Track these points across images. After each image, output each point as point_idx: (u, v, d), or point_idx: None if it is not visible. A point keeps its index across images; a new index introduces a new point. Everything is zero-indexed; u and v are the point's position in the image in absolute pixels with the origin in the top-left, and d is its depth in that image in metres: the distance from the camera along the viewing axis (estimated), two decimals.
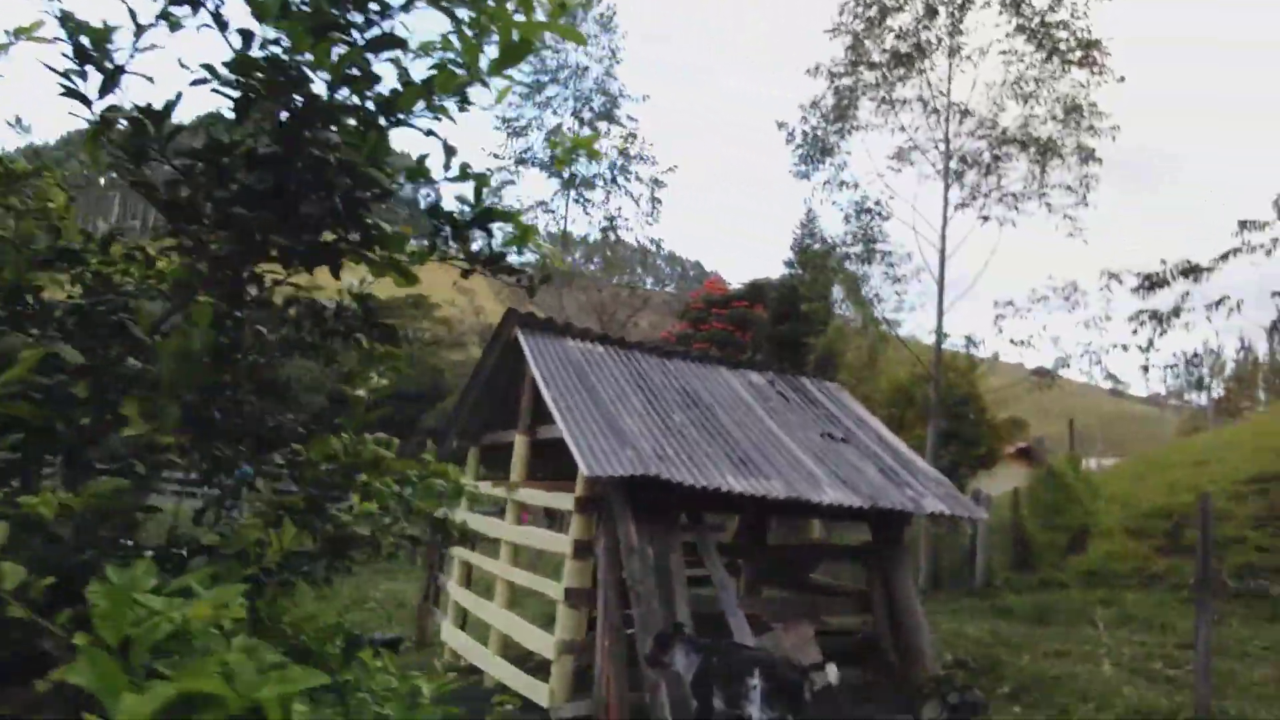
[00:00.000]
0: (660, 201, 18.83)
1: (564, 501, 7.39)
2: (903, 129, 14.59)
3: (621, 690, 6.47)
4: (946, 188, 14.29)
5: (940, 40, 14.32)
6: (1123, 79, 13.98)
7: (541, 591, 7.78)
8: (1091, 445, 27.58)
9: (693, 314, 33.95)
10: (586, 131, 18.30)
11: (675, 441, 7.37)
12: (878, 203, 14.60)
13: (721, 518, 10.68)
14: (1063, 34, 13.84)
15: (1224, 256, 11.63)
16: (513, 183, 18.20)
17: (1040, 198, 14.15)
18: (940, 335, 14.15)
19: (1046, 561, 14.59)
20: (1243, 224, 11.45)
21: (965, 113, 14.28)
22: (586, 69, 18.30)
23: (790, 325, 27.26)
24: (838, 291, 17.85)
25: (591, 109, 18.45)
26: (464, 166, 2.56)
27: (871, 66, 14.45)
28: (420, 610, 11.45)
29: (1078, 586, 13.21)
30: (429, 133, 2.36)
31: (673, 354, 9.33)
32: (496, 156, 17.97)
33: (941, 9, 14.22)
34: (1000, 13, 14.12)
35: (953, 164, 14.26)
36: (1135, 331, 12.67)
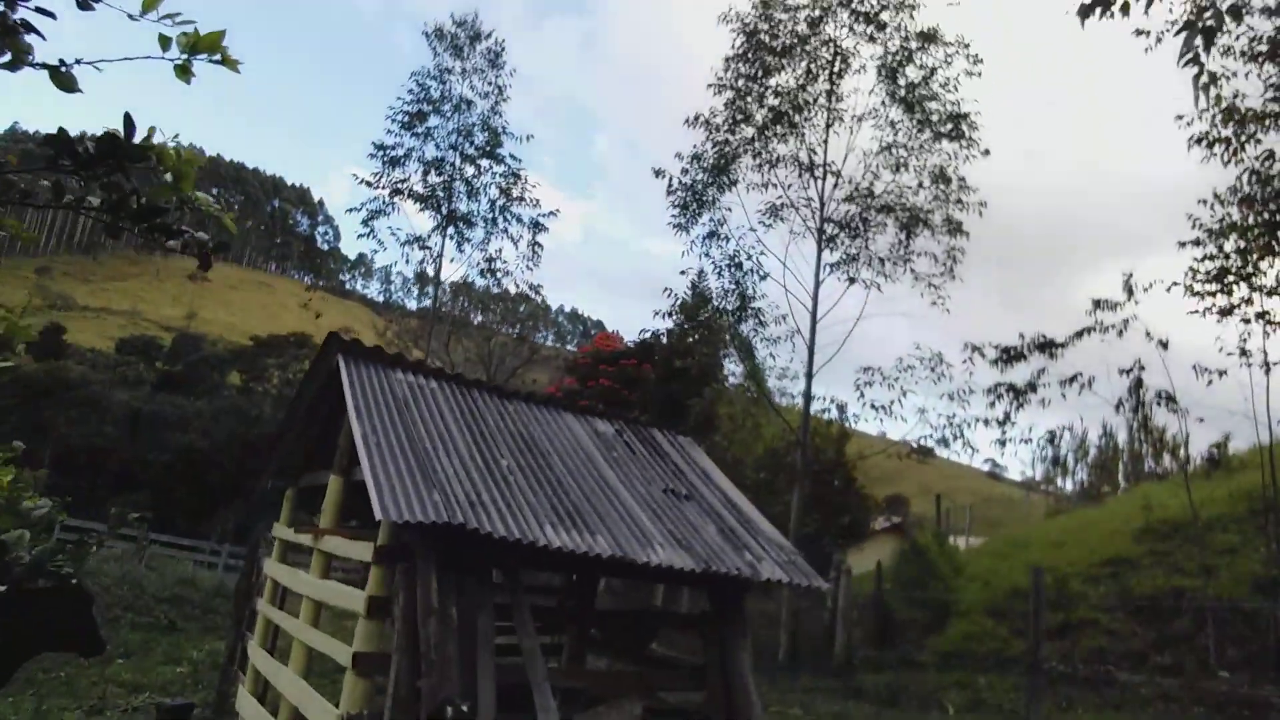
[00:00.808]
0: (541, 246, 18.29)
1: (365, 552, 6.49)
2: (775, 185, 14.62)
3: None
4: (820, 248, 14.32)
5: (817, 101, 14.50)
6: (987, 152, 14.41)
7: (333, 656, 6.79)
8: (962, 524, 28.01)
9: (581, 370, 33.35)
10: (469, 170, 17.73)
11: (496, 488, 6.62)
12: (749, 257, 14.50)
13: (555, 577, 9.89)
14: (934, 105, 14.20)
15: (1079, 334, 11.81)
16: (386, 213, 17.32)
17: (905, 263, 14.31)
18: (809, 399, 13.94)
19: (907, 638, 14.29)
20: (1096, 303, 11.68)
21: (838, 175, 14.42)
22: (471, 103, 17.79)
23: (677, 385, 27.08)
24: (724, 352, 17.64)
25: (473, 144, 17.84)
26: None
27: (750, 123, 14.49)
28: (223, 673, 10.17)
29: (935, 667, 12.90)
30: None
31: (514, 395, 8.61)
32: (369, 184, 17.10)
33: (821, 74, 14.42)
34: (876, 81, 14.43)
35: (826, 227, 14.32)
36: (993, 404, 12.70)
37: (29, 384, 57.58)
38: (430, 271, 17.99)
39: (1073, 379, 11.83)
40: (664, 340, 25.84)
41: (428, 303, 24.19)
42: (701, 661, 7.62)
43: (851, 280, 14.42)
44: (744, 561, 7.19)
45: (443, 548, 6.10)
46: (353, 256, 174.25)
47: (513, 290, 18.77)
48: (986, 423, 13.40)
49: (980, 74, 14.73)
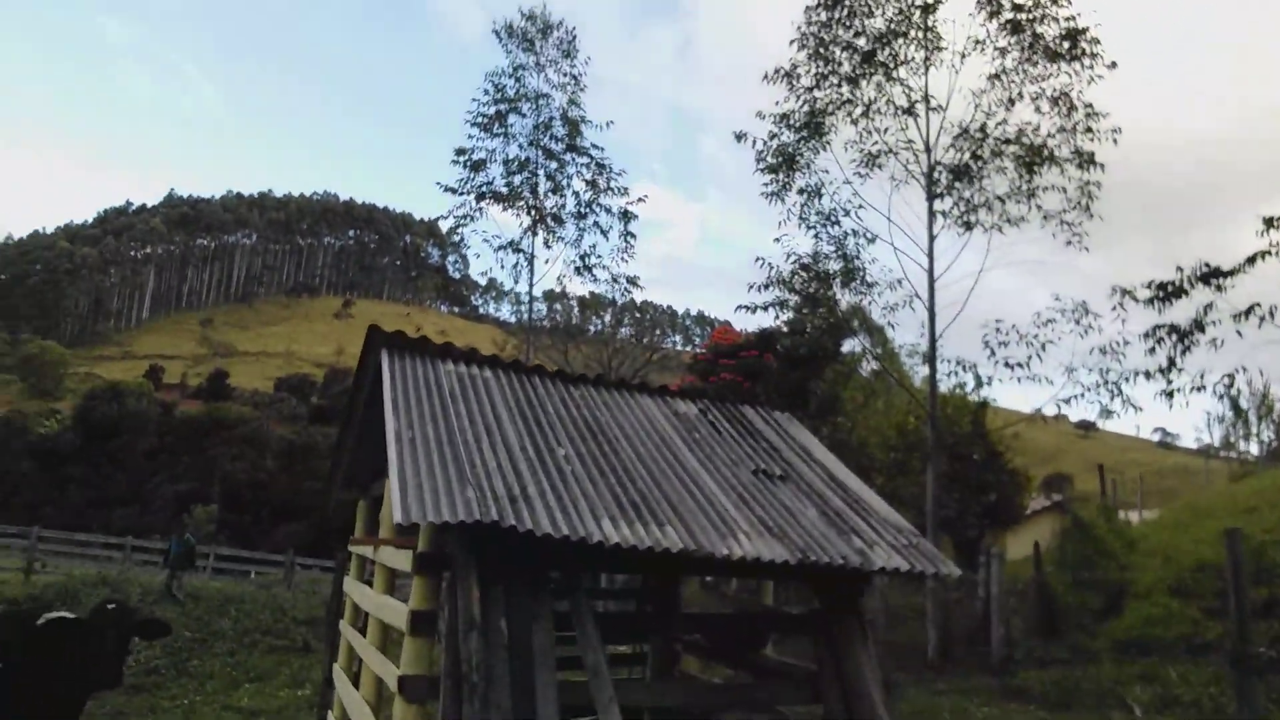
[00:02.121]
0: (634, 236, 17.47)
1: (408, 561, 5.77)
2: (871, 133, 13.17)
3: None
4: (930, 197, 12.78)
5: (910, 36, 13.00)
6: (1114, 65, 12.50)
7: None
8: (1132, 498, 25.21)
9: (700, 366, 32.38)
10: (552, 165, 17.11)
11: (548, 480, 5.76)
12: (846, 214, 13.09)
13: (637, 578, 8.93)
14: (1045, 28, 12.47)
15: (1250, 260, 9.85)
16: (473, 218, 16.94)
17: (1030, 200, 12.56)
18: (933, 364, 12.46)
19: (1076, 626, 12.52)
20: (1269, 222, 9.70)
21: (944, 114, 12.86)
22: (547, 96, 17.21)
23: (801, 372, 25.73)
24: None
25: (554, 136, 17.21)
26: None
27: (837, 72, 13.14)
28: (321, 698, 9.80)
29: (1112, 659, 11.14)
30: None
31: (581, 380, 7.76)
32: (452, 190, 16.75)
33: (912, 7, 12.93)
34: (975, 6, 12.81)
35: (935, 173, 12.78)
36: (1153, 350, 10.84)
37: (197, 425, 61.90)
38: (524, 275, 17.40)
39: (1248, 311, 9.85)
40: (782, 327, 24.60)
41: (532, 314, 23.81)
42: (812, 669, 6.51)
43: (968, 226, 12.81)
44: (851, 549, 6.04)
45: (486, 552, 5.29)
46: (483, 282, 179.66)
47: (608, 285, 17.93)
48: (1148, 375, 11.50)
49: None
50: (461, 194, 16.98)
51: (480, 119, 17.03)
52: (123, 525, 39.78)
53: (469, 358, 7.34)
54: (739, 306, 14.15)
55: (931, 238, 13.09)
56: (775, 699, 6.70)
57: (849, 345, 21.37)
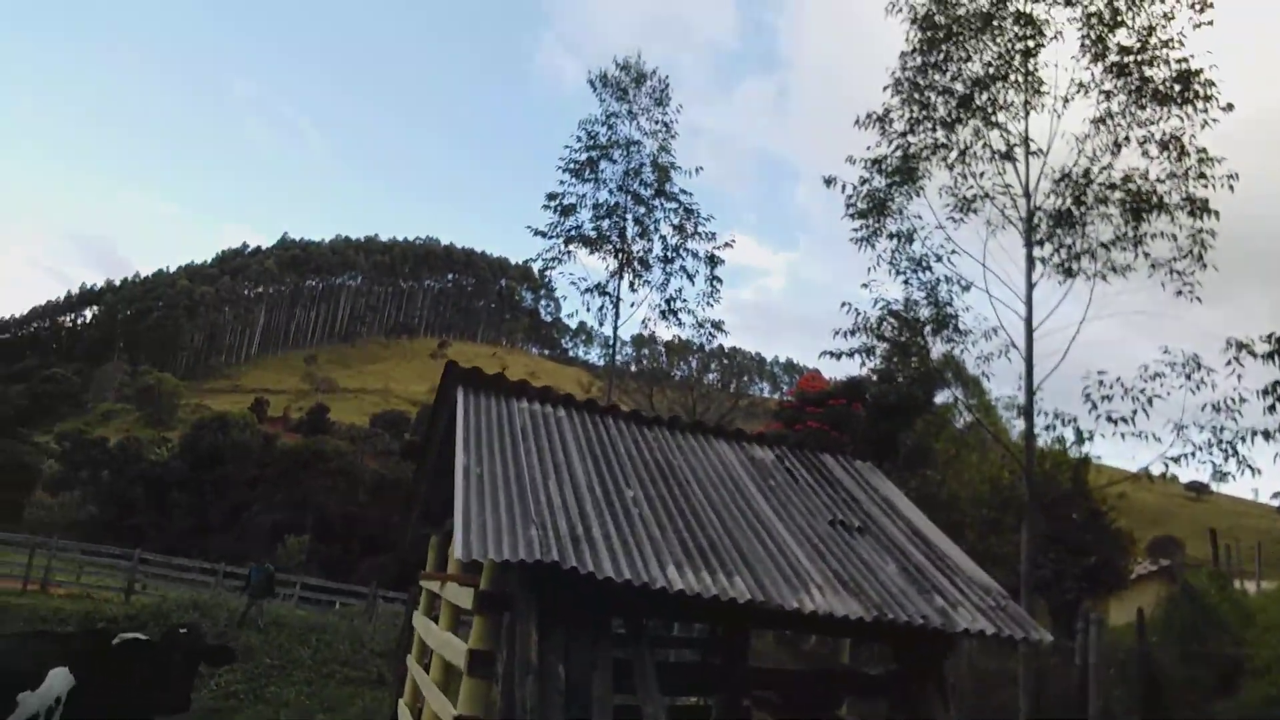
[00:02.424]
0: (720, 280, 17.37)
1: (470, 599, 5.71)
2: (966, 178, 12.73)
3: None
4: (1029, 244, 12.23)
5: (1009, 79, 12.60)
6: (1230, 107, 11.79)
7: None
8: (1250, 566, 23.41)
9: (787, 413, 31.82)
10: (640, 210, 17.23)
11: (613, 522, 5.64)
12: (938, 259, 12.62)
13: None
14: (1152, 70, 11.90)
15: None
16: (561, 261, 17.14)
17: (1136, 247, 11.86)
18: (1030, 417, 11.81)
19: (1183, 703, 11.56)
20: None
21: (1044, 158, 12.35)
22: (638, 143, 17.38)
23: (890, 422, 25.01)
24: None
25: (644, 182, 17.33)
26: None
27: (931, 116, 12.82)
28: None
29: None
30: None
31: (655, 422, 7.64)
32: (542, 234, 17.02)
33: (1012, 52, 12.55)
34: (1079, 50, 12.33)
35: (1035, 218, 12.25)
36: (1273, 408, 10.01)
37: (295, 457, 64.13)
38: (609, 318, 17.47)
39: None
40: (871, 375, 24.02)
41: (617, 357, 23.91)
42: None
43: (1069, 273, 12.19)
44: (933, 608, 5.70)
45: (547, 593, 5.18)
46: (574, 325, 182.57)
47: (693, 330, 17.80)
48: (1267, 435, 10.63)
49: (1211, 23, 12.26)
50: (551, 237, 17.23)
51: (572, 164, 17.32)
52: (220, 551, 41.28)
53: (543, 396, 7.33)
54: (824, 353, 13.78)
55: (1030, 285, 12.50)
56: None
57: (941, 397, 20.67)
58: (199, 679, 7.02)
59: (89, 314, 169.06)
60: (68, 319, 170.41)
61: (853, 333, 12.96)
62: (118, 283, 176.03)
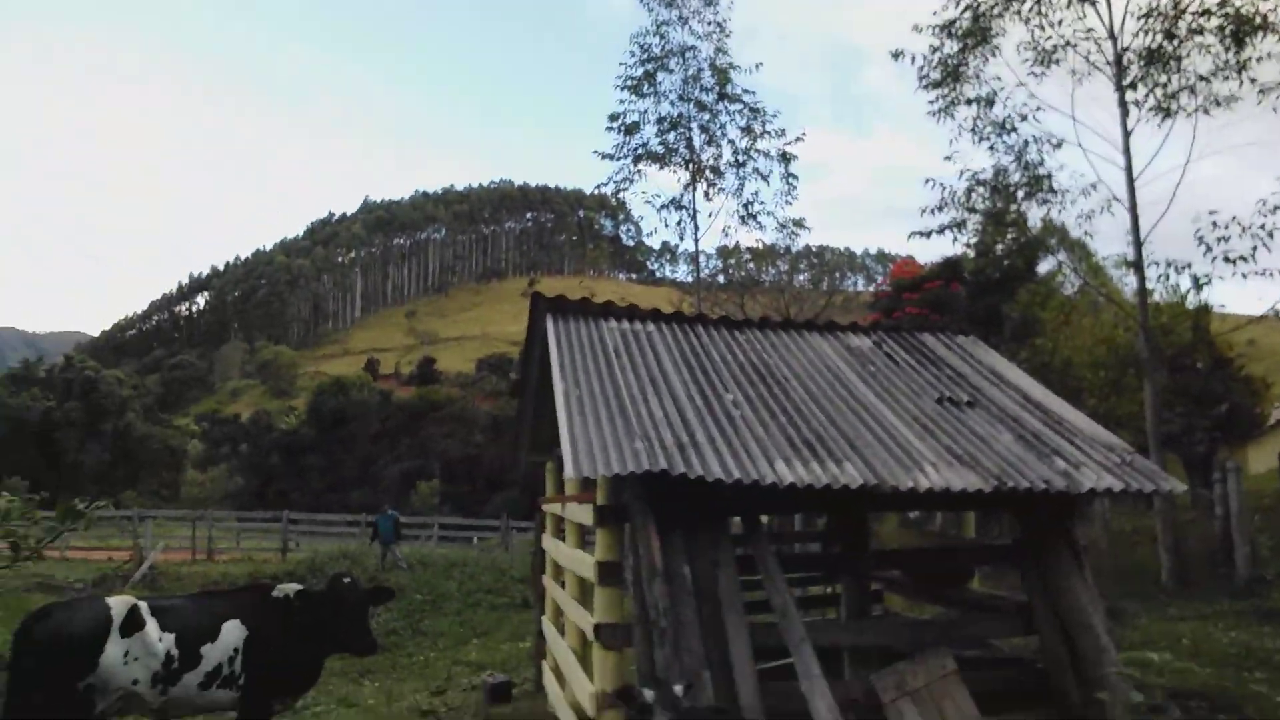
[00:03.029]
0: (795, 178, 16.88)
1: (589, 515, 5.93)
2: (1044, 28, 11.89)
3: None
4: (1121, 90, 11.40)
5: None
6: None
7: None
8: None
9: (883, 303, 31.09)
10: (705, 117, 16.79)
11: (717, 426, 5.71)
12: (1022, 118, 11.91)
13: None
14: None
15: None
16: (632, 181, 16.98)
17: (1240, 73, 10.89)
18: (1141, 270, 11.22)
19: None
20: None
21: None
22: (694, 48, 16.86)
23: (992, 297, 24.17)
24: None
25: (704, 88, 16.85)
26: None
27: None
28: (536, 649, 10.33)
29: None
30: None
31: (747, 324, 7.62)
32: (610, 156, 16.87)
33: None
34: None
35: (1124, 59, 11.38)
36: None
37: (412, 409, 66.93)
38: (689, 232, 17.28)
39: None
40: (968, 252, 23.17)
41: (702, 270, 23.74)
42: (1023, 600, 6.13)
43: (1168, 113, 11.34)
44: (1055, 471, 5.60)
45: (661, 501, 5.33)
46: (656, 245, 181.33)
47: (775, 232, 17.46)
48: None
49: None
50: (618, 159, 17.04)
51: (629, 81, 16.95)
52: (358, 504, 43.77)
53: (631, 314, 7.38)
54: (913, 233, 13.39)
55: (1126, 133, 11.73)
56: (984, 633, 6.38)
57: (1045, 266, 19.84)
58: None
59: (201, 301, 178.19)
60: (183, 308, 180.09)
61: (940, 209, 12.52)
62: (222, 268, 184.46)
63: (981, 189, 12.51)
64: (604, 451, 5.19)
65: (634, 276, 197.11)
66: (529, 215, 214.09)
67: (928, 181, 12.91)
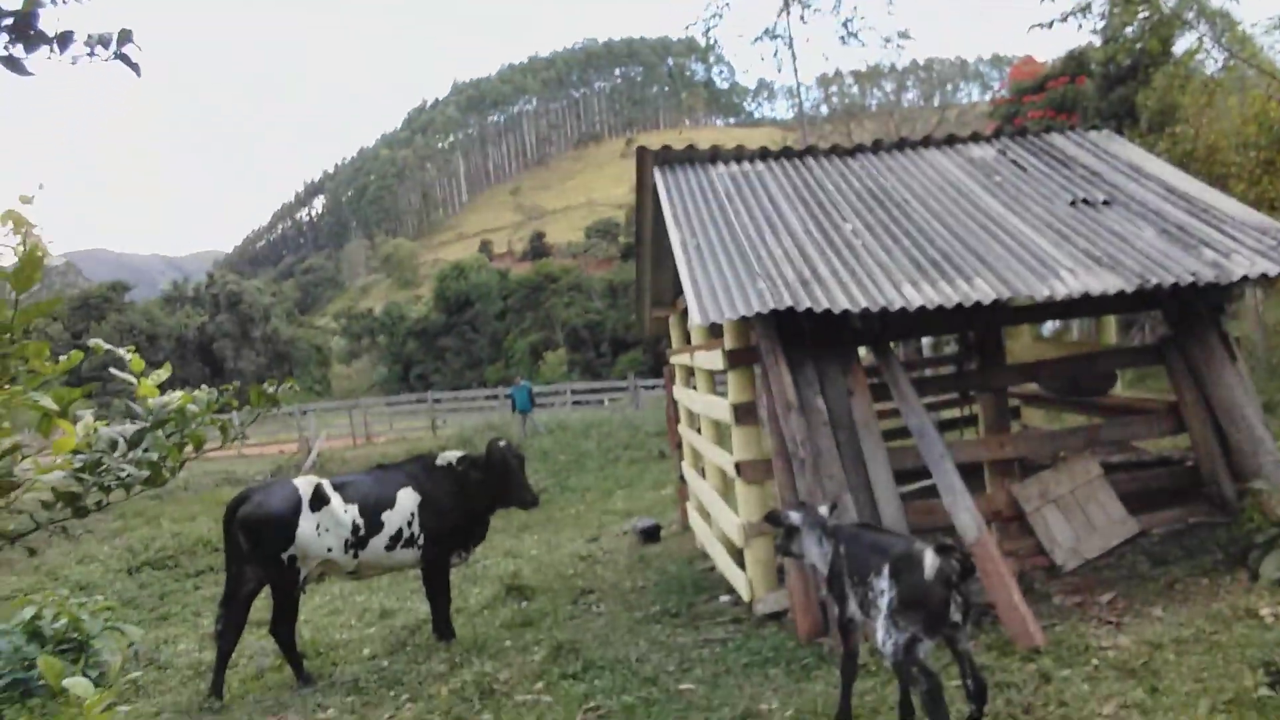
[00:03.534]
0: None
1: (719, 361, 6.05)
2: None
3: (808, 584, 5.13)
4: None
5: None
6: None
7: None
8: None
9: (1002, 110, 29.10)
10: None
11: (838, 258, 5.66)
12: None
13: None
14: None
15: None
16: (720, 16, 16.21)
17: None
18: None
19: None
20: None
21: None
22: None
23: (1124, 88, 22.20)
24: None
25: None
26: None
27: None
28: (680, 494, 10.83)
29: None
30: None
31: (859, 150, 7.35)
32: None
33: None
34: None
35: None
36: None
37: (530, 284, 68.46)
38: (787, 63, 16.53)
39: None
40: (1094, 41, 21.13)
41: (804, 101, 22.69)
42: (1170, 399, 5.95)
43: None
44: (1203, 262, 5.30)
45: (789, 337, 5.39)
46: (753, 85, 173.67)
47: (880, 49, 16.45)
48: None
49: None
50: None
51: None
52: (494, 379, 45.84)
53: (738, 155, 7.25)
54: (1032, 25, 12.30)
55: None
56: (1130, 435, 6.26)
57: (1182, 44, 17.93)
58: None
59: (319, 205, 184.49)
60: (303, 214, 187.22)
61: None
62: (332, 170, 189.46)
63: None
64: (728, 295, 5.25)
65: (731, 121, 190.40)
66: (617, 72, 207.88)
67: None
